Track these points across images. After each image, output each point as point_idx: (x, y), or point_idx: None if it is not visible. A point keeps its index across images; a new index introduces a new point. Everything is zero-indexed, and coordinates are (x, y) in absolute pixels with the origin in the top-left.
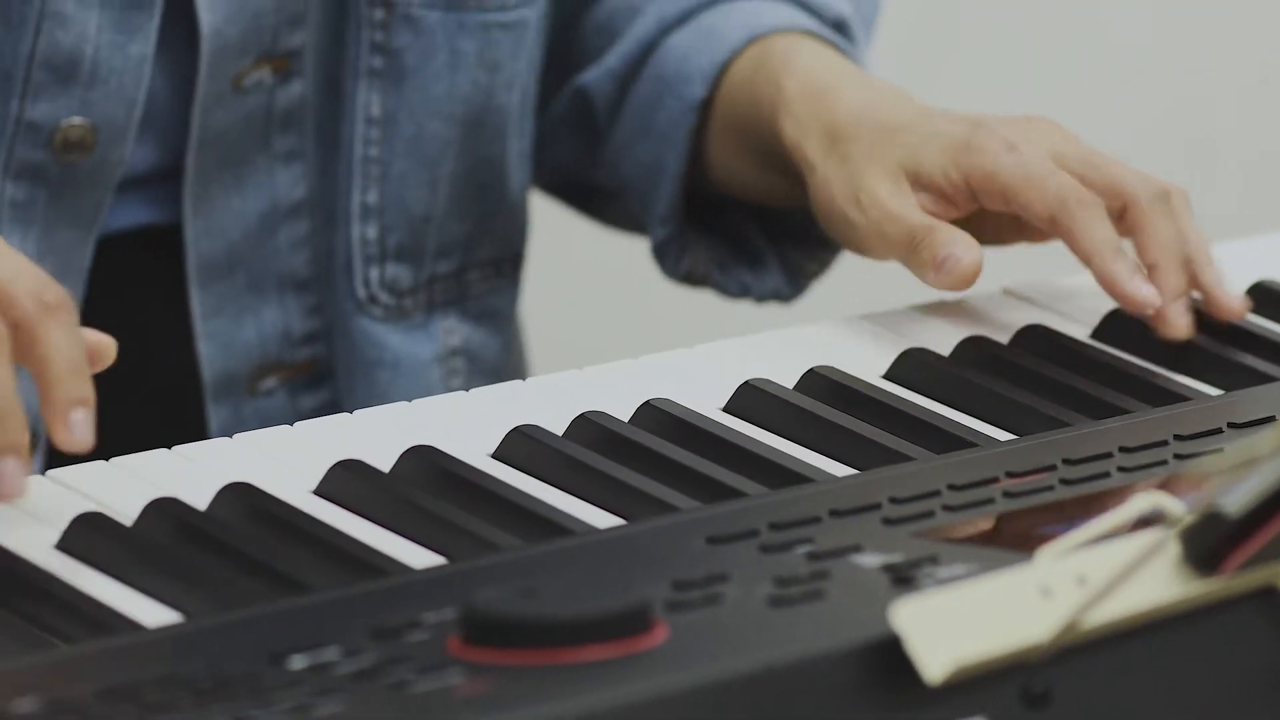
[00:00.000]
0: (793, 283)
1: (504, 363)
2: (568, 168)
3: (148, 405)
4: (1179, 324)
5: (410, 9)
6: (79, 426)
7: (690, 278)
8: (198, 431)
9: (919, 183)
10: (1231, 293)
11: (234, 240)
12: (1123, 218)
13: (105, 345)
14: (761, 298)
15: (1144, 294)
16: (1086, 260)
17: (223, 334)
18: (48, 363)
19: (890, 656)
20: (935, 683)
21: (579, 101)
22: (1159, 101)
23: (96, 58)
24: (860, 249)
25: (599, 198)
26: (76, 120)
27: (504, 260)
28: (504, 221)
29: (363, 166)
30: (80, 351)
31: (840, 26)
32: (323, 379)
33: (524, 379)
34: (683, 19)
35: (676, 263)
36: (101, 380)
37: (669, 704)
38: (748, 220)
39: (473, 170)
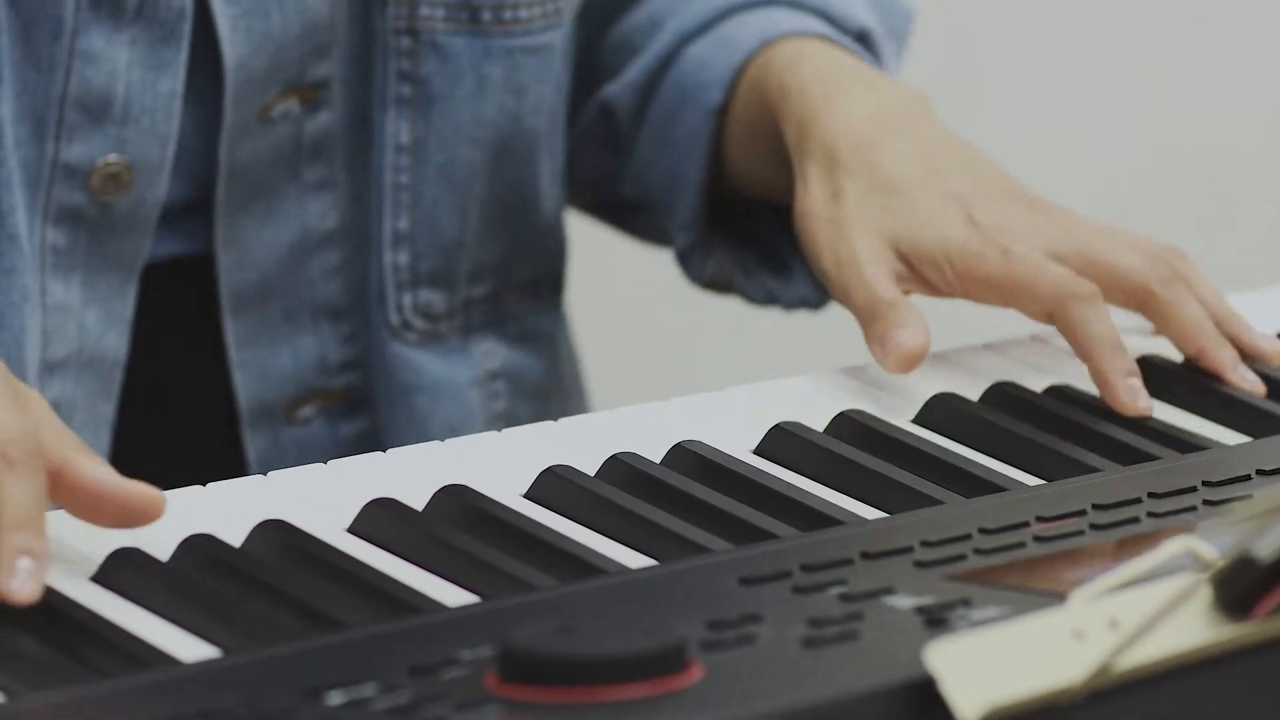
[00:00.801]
0: (820, 290)
1: (550, 385)
2: (595, 181)
3: (186, 435)
4: (1246, 384)
5: (435, 36)
6: (22, 574)
7: (715, 284)
8: (236, 460)
9: (905, 260)
10: (1268, 338)
11: (266, 270)
12: (1140, 305)
13: (151, 500)
14: (789, 305)
15: (1139, 405)
16: (1084, 356)
17: (258, 363)
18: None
19: (925, 697)
20: None
21: (602, 115)
22: (1181, 150)
23: (128, 95)
24: (823, 287)
25: (626, 211)
26: (113, 158)
27: (542, 282)
28: (538, 243)
29: (393, 194)
30: (34, 503)
31: (863, 38)
32: (360, 406)
33: (575, 399)
34: (701, 30)
35: (700, 268)
36: (140, 412)
37: None
38: (774, 227)
39: (503, 194)
